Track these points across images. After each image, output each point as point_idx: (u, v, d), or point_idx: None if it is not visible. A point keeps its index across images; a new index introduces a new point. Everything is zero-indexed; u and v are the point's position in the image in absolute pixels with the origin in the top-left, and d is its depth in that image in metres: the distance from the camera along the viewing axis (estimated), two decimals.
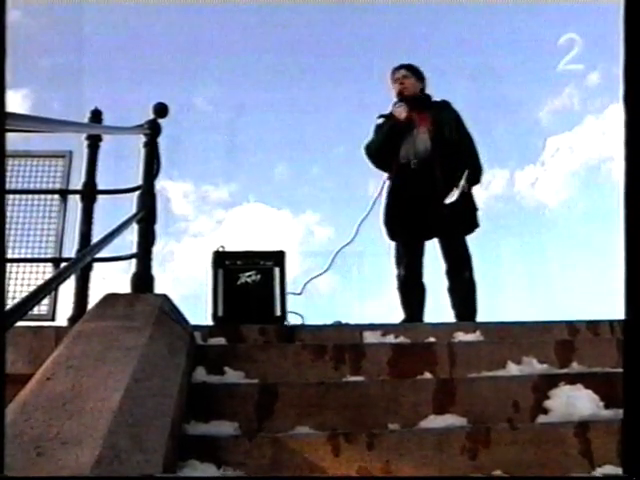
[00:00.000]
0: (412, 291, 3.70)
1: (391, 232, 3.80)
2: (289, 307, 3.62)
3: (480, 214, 3.77)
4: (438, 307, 3.79)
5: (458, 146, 3.74)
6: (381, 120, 3.95)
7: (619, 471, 1.62)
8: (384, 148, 3.82)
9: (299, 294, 3.85)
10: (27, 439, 1.38)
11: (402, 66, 3.98)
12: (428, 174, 3.67)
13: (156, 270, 2.85)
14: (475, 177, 3.76)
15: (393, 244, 3.81)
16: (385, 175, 3.91)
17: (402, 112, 3.80)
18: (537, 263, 6.48)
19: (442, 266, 3.72)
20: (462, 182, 3.61)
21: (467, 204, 3.70)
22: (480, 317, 3.56)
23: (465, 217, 3.70)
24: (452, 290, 3.66)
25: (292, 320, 3.61)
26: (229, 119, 7.23)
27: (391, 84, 3.99)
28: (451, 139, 3.74)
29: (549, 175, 7.52)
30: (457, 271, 3.65)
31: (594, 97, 7.21)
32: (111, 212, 3.07)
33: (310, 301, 3.96)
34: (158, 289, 2.80)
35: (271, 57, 7.45)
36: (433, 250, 3.76)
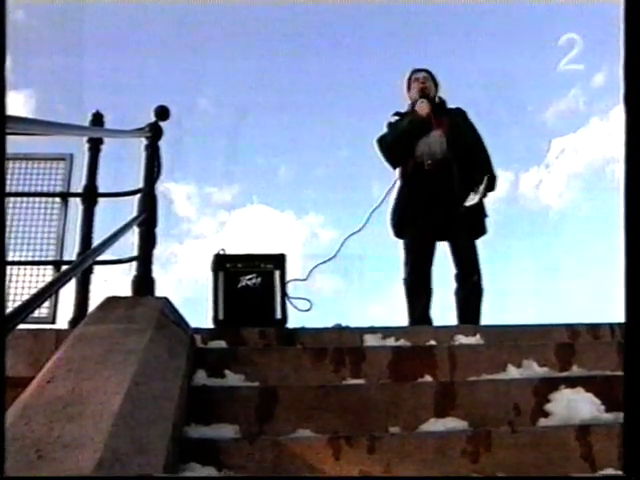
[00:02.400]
0: (417, 293, 3.69)
1: (400, 230, 3.80)
2: (295, 294, 3.66)
3: (489, 221, 3.82)
4: (440, 310, 3.79)
5: (473, 152, 3.79)
6: (394, 118, 3.98)
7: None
8: (402, 141, 3.81)
9: (304, 280, 3.85)
10: (28, 442, 1.38)
11: (423, 69, 4.05)
12: (445, 176, 3.70)
13: (158, 272, 2.85)
14: (492, 185, 3.79)
15: (402, 247, 3.81)
16: (397, 171, 3.91)
17: (425, 108, 3.82)
18: (541, 265, 6.47)
19: (451, 270, 3.74)
20: (482, 187, 3.67)
21: (480, 210, 3.75)
22: (482, 320, 3.56)
23: (476, 222, 3.75)
24: (458, 293, 3.66)
25: (300, 305, 3.65)
26: (233, 121, 7.24)
27: (408, 84, 4.02)
28: (467, 145, 3.79)
29: (553, 177, 7.52)
30: (466, 275, 3.66)
31: (599, 98, 7.22)
32: (112, 215, 3.08)
33: (312, 303, 3.96)
34: (160, 291, 2.80)
35: (275, 59, 7.47)
36: (442, 253, 3.79)
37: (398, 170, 3.89)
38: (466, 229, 3.70)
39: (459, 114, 3.94)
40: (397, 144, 3.84)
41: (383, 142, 3.90)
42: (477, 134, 3.89)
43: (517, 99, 7.06)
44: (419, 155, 3.78)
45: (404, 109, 4.05)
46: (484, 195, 3.69)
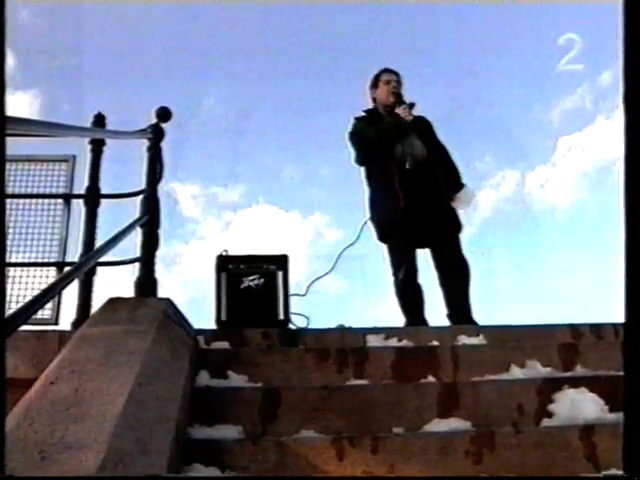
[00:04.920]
0: (412, 295, 3.68)
1: (387, 235, 3.77)
2: (294, 309, 3.62)
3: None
4: (439, 310, 3.78)
5: (444, 157, 3.92)
6: (361, 114, 3.99)
7: None
8: (385, 140, 3.79)
9: (303, 295, 3.84)
10: (31, 443, 1.38)
11: (394, 71, 4.05)
12: (427, 176, 3.73)
13: (163, 273, 2.85)
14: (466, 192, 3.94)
15: (386, 248, 3.78)
16: (364, 170, 3.91)
17: (408, 114, 3.83)
18: (546, 265, 6.45)
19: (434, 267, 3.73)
20: (467, 198, 3.87)
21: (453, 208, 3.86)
22: (486, 320, 3.54)
23: (455, 219, 3.82)
24: (448, 285, 3.66)
25: (297, 322, 3.61)
26: (238, 120, 7.23)
27: (376, 83, 4.02)
28: (439, 149, 3.91)
29: (560, 176, 7.50)
30: (458, 268, 3.67)
31: (606, 96, 7.19)
32: (115, 216, 3.08)
33: (315, 304, 3.95)
34: (165, 292, 2.80)
35: (280, 58, 7.46)
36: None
37: (373, 169, 3.86)
38: (449, 227, 3.76)
39: (424, 120, 4.00)
40: (379, 142, 3.80)
41: (362, 137, 3.86)
42: (442, 142, 3.98)
43: (524, 97, 7.05)
44: (399, 155, 3.77)
45: (368, 106, 4.05)
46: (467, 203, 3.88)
